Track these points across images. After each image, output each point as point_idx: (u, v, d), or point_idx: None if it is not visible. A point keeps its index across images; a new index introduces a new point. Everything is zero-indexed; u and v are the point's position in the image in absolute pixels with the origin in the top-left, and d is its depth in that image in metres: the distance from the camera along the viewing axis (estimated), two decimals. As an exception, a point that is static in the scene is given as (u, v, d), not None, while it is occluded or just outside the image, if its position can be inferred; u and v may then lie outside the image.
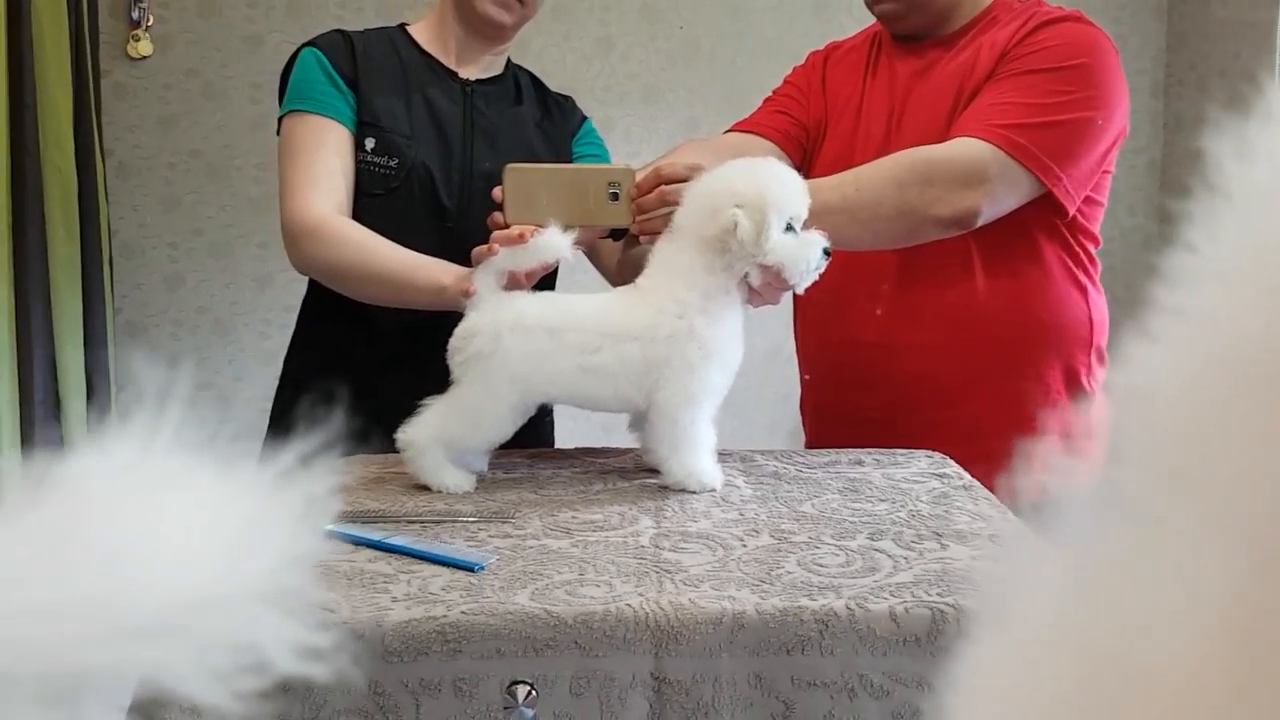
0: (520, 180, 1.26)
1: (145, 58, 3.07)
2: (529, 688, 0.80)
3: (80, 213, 2.75)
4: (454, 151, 1.49)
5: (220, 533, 0.25)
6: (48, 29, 2.62)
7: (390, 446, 1.19)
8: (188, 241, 3.17)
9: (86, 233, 2.78)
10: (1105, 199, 1.49)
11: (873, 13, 1.53)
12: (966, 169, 1.32)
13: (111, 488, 0.25)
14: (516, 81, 1.59)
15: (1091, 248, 1.48)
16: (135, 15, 3.03)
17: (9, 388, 2.59)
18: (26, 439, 2.64)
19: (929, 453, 1.34)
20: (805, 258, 1.15)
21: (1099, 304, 1.50)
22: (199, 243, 3.17)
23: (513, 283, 1.19)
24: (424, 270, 1.32)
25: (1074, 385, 1.48)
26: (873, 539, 1.01)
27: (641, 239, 1.29)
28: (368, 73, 1.47)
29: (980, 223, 1.35)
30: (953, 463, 1.30)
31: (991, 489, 1.20)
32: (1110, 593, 0.19)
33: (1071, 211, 1.39)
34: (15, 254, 2.59)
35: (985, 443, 1.40)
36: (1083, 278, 1.47)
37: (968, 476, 1.23)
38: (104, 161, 2.91)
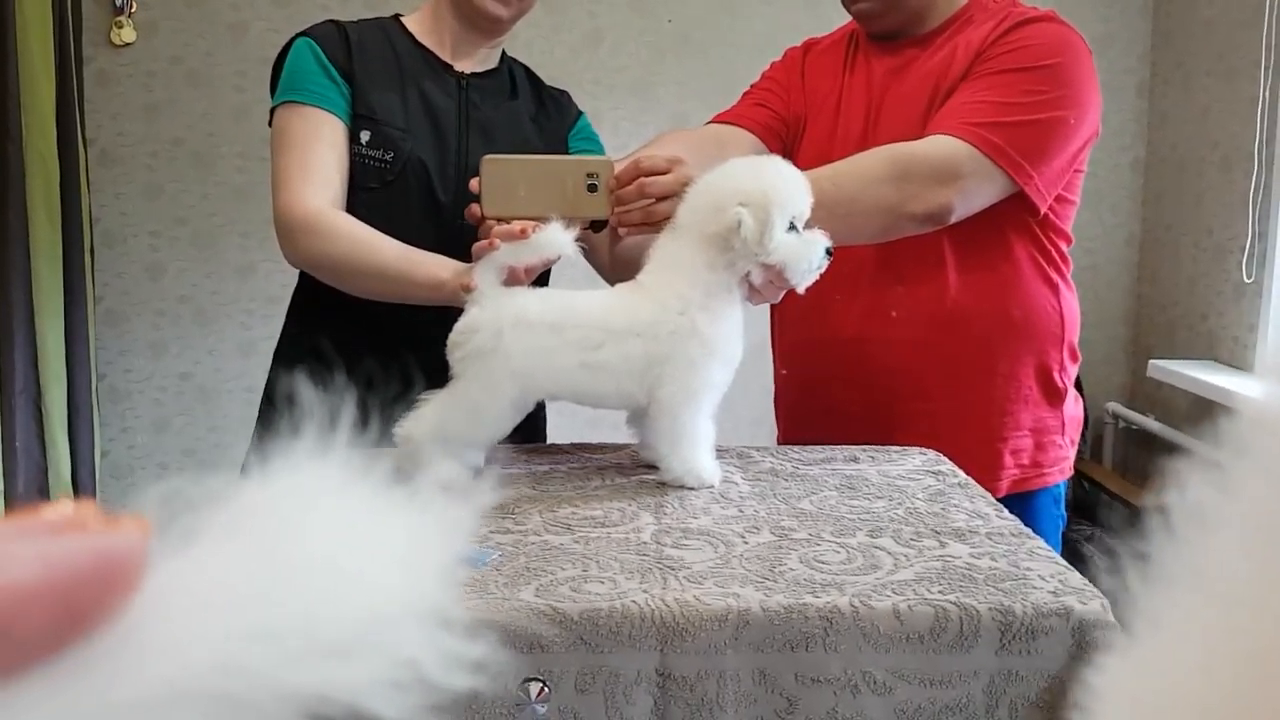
0: (497, 171, 1.26)
1: (128, 45, 3.04)
2: (541, 684, 0.80)
3: (62, 200, 2.73)
4: (449, 146, 1.48)
5: (387, 551, 0.26)
6: (31, 14, 2.60)
7: (385, 441, 1.19)
8: (170, 230, 3.14)
9: (68, 220, 2.76)
10: (1077, 197, 1.51)
11: (849, 11, 1.54)
12: (941, 166, 1.34)
13: (291, 509, 0.25)
14: (512, 75, 1.58)
15: (1064, 245, 1.50)
16: (119, 1, 3.00)
17: (-11, 376, 2.57)
18: (6, 425, 2.62)
19: (923, 450, 1.35)
20: (807, 257, 1.16)
21: (1070, 301, 1.52)
22: (181, 232, 3.14)
23: (512, 278, 1.19)
24: (422, 265, 1.31)
25: (1046, 381, 1.50)
26: (872, 536, 1.02)
27: (620, 231, 1.29)
28: (363, 65, 1.46)
29: (954, 219, 1.36)
30: (947, 460, 1.30)
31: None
32: (1239, 605, 0.20)
33: (1043, 209, 1.41)
34: (-4, 241, 2.57)
35: (959, 437, 1.43)
36: (1054, 275, 1.49)
37: (962, 474, 1.24)
38: (86, 149, 2.88)
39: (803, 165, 1.44)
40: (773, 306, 1.62)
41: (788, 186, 1.15)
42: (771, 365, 1.67)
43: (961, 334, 1.45)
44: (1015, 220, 1.44)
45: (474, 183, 1.26)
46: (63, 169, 2.72)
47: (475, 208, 1.27)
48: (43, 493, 2.72)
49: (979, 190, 1.36)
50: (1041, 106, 1.37)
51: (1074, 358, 1.53)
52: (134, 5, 3.02)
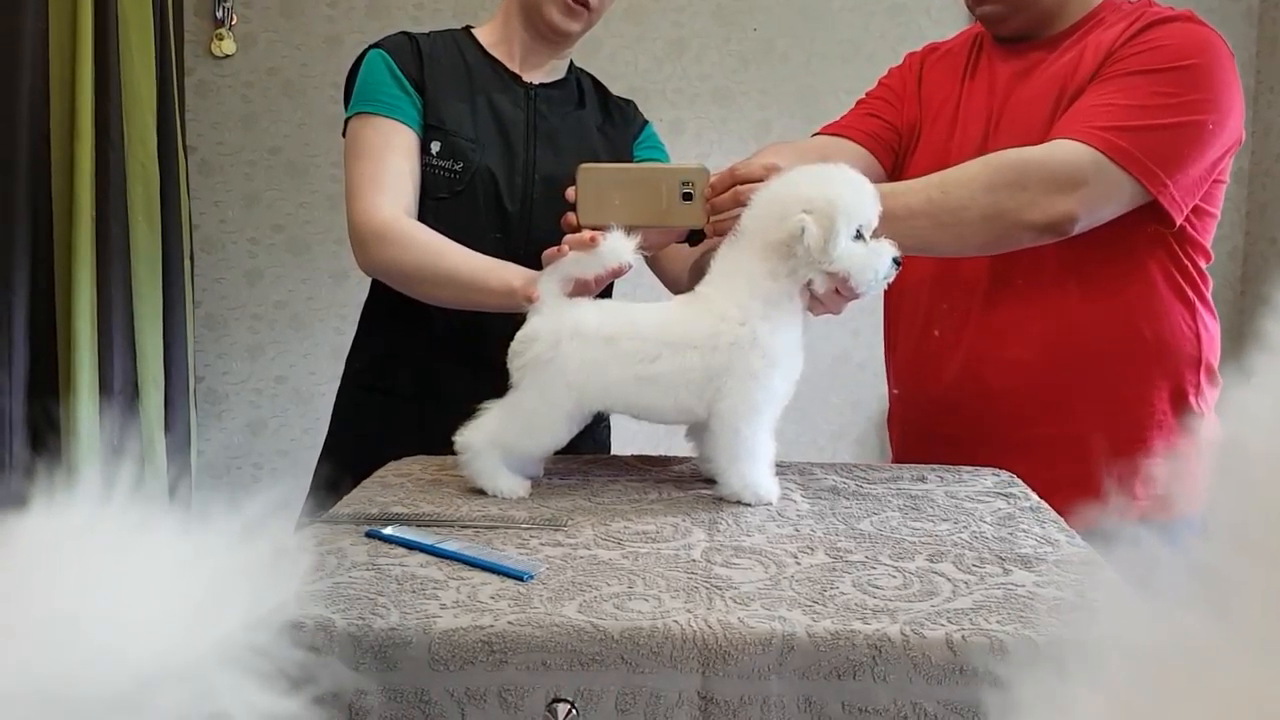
0: (593, 180, 1.25)
1: (228, 56, 3.14)
2: (569, 706, 0.79)
3: (162, 207, 2.82)
4: (517, 156, 1.49)
5: (183, 594, 0.24)
6: (134, 27, 2.69)
7: (449, 447, 1.19)
8: (267, 237, 3.23)
9: (168, 227, 2.85)
10: (1218, 210, 1.40)
11: (974, 15, 1.47)
12: (1062, 172, 1.26)
13: (67, 551, 0.24)
14: (579, 85, 1.59)
15: (1202, 262, 1.40)
16: (219, 14, 3.10)
17: (89, 376, 2.67)
18: (105, 427, 2.72)
19: (995, 471, 1.30)
20: (873, 267, 1.12)
21: (1209, 321, 1.42)
22: (278, 238, 3.23)
23: (581, 289, 1.18)
24: (494, 273, 1.32)
25: (1182, 406, 1.40)
26: (932, 561, 0.99)
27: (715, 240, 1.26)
28: (434, 75, 1.48)
29: (1078, 230, 1.28)
30: (1020, 481, 1.25)
31: (1079, 511, 1.16)
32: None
33: (1178, 221, 1.31)
34: (98, 246, 2.67)
35: (1081, 464, 1.35)
36: (1190, 293, 1.39)
37: (1035, 497, 1.19)
38: (186, 157, 2.98)
39: (915, 173, 1.39)
40: (885, 323, 1.57)
41: (854, 194, 1.12)
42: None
43: (1084, 355, 1.37)
44: (1148, 233, 1.34)
45: (570, 192, 1.26)
46: (163, 176, 2.81)
47: (571, 216, 1.26)
48: (138, 491, 2.81)
49: (1105, 199, 1.28)
50: (1176, 110, 1.28)
51: (1213, 381, 1.43)
52: (234, 18, 3.12)
